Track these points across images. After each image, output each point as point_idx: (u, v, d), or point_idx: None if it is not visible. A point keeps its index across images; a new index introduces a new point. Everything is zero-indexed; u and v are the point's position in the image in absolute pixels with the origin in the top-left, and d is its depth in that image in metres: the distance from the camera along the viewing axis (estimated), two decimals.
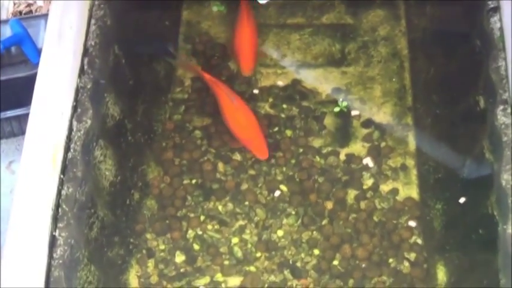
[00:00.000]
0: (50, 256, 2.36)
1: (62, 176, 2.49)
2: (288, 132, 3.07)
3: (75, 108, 2.61)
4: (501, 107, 2.57)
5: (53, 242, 2.39)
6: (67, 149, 2.54)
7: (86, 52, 2.72)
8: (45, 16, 2.88)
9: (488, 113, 2.66)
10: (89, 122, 2.61)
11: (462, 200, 2.81)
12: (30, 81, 2.63)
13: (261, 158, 2.97)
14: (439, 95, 3.06)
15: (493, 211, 2.55)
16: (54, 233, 2.40)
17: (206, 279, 2.79)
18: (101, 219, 2.66)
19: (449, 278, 2.74)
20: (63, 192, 2.47)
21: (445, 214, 2.85)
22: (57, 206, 2.44)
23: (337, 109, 3.11)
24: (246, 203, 2.91)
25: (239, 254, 2.83)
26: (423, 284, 2.75)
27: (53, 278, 2.33)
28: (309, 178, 2.95)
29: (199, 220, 2.90)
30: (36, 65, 2.71)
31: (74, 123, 2.58)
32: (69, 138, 2.55)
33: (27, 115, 2.56)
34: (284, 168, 2.98)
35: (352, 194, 2.94)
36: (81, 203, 2.54)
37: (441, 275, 2.76)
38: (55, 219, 2.42)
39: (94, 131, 2.65)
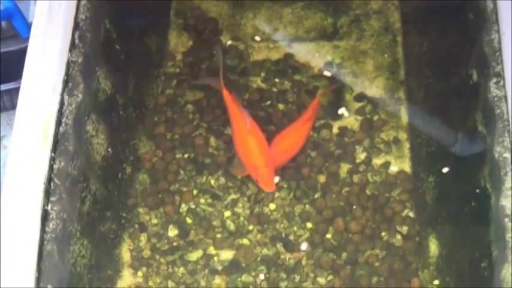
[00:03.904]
0: (43, 230, 2.35)
1: (53, 150, 2.48)
2: (280, 106, 3.07)
3: (66, 83, 2.59)
4: (494, 80, 2.57)
5: (45, 216, 2.38)
6: (58, 123, 2.52)
7: (76, 26, 2.69)
8: None
9: (481, 86, 2.65)
10: (80, 96, 2.59)
11: (445, 169, 2.82)
12: (21, 55, 2.60)
13: (265, 190, 2.80)
14: (431, 69, 3.05)
15: (486, 184, 2.55)
16: (46, 207, 2.39)
17: (199, 253, 2.79)
18: (93, 194, 2.66)
19: (441, 250, 2.75)
20: (55, 166, 2.46)
21: (437, 187, 2.85)
22: (49, 180, 2.43)
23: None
24: (238, 176, 2.90)
25: (231, 227, 2.83)
26: (415, 257, 2.76)
27: (46, 252, 2.33)
28: (301, 152, 2.94)
29: (192, 194, 2.90)
30: (27, 39, 2.68)
31: (66, 97, 2.56)
32: (60, 113, 2.54)
33: (18, 89, 2.54)
34: None
35: (344, 167, 2.94)
36: (73, 177, 2.53)
37: (433, 247, 2.77)
38: (47, 193, 2.41)
39: (85, 105, 2.64)
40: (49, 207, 2.40)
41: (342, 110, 3.03)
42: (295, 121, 2.94)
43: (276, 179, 2.87)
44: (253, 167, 2.77)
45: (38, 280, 2.29)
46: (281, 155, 2.86)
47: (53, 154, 2.47)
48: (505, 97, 2.53)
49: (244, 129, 2.79)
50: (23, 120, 2.47)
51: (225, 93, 2.89)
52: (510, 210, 2.38)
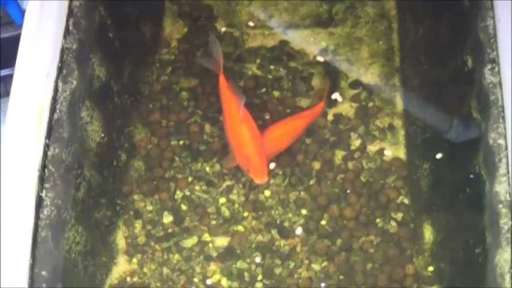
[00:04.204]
0: (37, 217, 2.35)
1: (47, 137, 2.47)
2: (276, 93, 3.06)
3: (60, 69, 2.58)
4: (489, 66, 2.56)
5: (39, 203, 2.38)
6: (53, 110, 2.51)
7: (71, 13, 2.68)
8: None
9: (476, 73, 2.64)
10: (75, 83, 2.59)
11: (439, 155, 2.83)
12: (15, 42, 2.60)
13: (257, 181, 2.76)
14: (427, 56, 3.04)
15: (480, 170, 2.55)
16: (40, 194, 2.39)
17: (194, 240, 2.80)
18: (88, 180, 2.66)
19: (436, 237, 2.75)
20: (49, 153, 2.46)
21: (432, 174, 2.85)
22: (44, 166, 2.43)
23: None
24: (234, 164, 2.90)
25: (226, 214, 2.84)
26: (410, 243, 2.77)
27: (40, 238, 2.33)
28: (294, 142, 2.94)
29: (187, 181, 2.90)
30: (21, 26, 2.68)
31: (60, 84, 2.56)
32: (54, 99, 2.53)
33: (12, 76, 2.54)
34: None
35: (339, 154, 2.94)
36: (68, 164, 2.52)
37: (428, 234, 2.77)
38: (41, 180, 2.41)
39: (80, 92, 2.63)
40: (43, 194, 2.39)
41: (335, 95, 3.03)
42: (293, 115, 2.94)
43: (272, 165, 2.87)
44: (244, 156, 2.74)
45: (33, 266, 2.29)
46: (273, 146, 2.83)
47: (47, 141, 2.46)
48: (500, 83, 2.52)
49: (236, 117, 2.74)
50: (17, 107, 2.46)
51: (222, 80, 2.85)
52: (504, 196, 2.38)
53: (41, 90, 2.50)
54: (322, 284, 2.70)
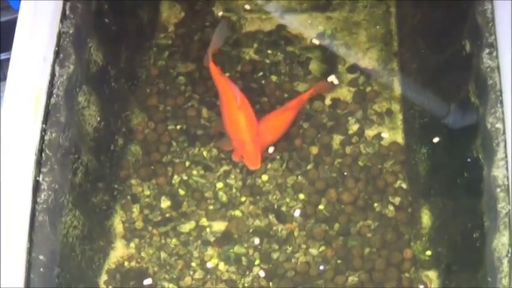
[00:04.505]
0: (34, 201, 2.35)
1: (44, 122, 2.47)
2: (273, 78, 3.06)
3: (57, 54, 2.58)
4: (487, 51, 2.56)
5: (36, 187, 2.38)
6: (50, 94, 2.51)
7: None
8: None
9: (474, 57, 2.64)
10: (72, 67, 2.58)
11: (436, 139, 2.83)
12: (12, 26, 2.59)
13: (250, 167, 2.79)
14: (424, 40, 3.03)
15: (478, 154, 2.55)
16: (37, 178, 2.39)
17: (191, 224, 2.80)
18: (85, 165, 2.65)
19: (434, 221, 2.75)
20: (47, 137, 2.45)
21: (429, 158, 2.85)
22: (41, 151, 2.42)
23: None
24: (231, 148, 2.90)
25: (224, 198, 2.83)
26: (408, 228, 2.76)
27: (38, 223, 2.33)
28: (293, 123, 2.93)
29: (185, 165, 2.90)
30: (17, 10, 2.66)
31: (57, 68, 2.55)
32: (51, 84, 2.53)
33: (8, 60, 2.53)
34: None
35: (337, 139, 2.94)
36: (65, 148, 2.52)
37: (425, 218, 2.77)
38: (38, 164, 2.41)
39: (77, 76, 2.63)
40: (40, 178, 2.39)
41: (331, 78, 3.02)
42: (284, 105, 2.93)
43: (271, 150, 2.87)
44: (240, 143, 2.76)
45: (30, 251, 2.30)
46: (269, 135, 2.84)
47: (44, 125, 2.46)
48: (498, 68, 2.52)
49: (234, 104, 2.75)
50: (14, 92, 2.46)
51: (212, 67, 2.85)
52: (502, 180, 2.38)
53: (37, 74, 2.50)
54: (321, 267, 2.70)
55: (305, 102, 2.93)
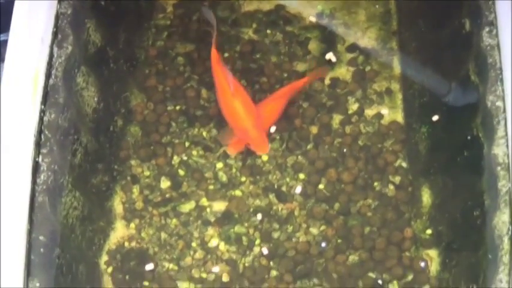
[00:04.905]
0: (34, 182, 2.35)
1: (43, 103, 2.46)
2: (272, 58, 3.05)
3: (55, 34, 2.57)
4: (487, 29, 2.55)
5: (36, 168, 2.37)
6: (48, 75, 2.51)
7: None
8: None
9: (474, 35, 2.63)
10: (70, 48, 2.58)
11: (435, 117, 2.82)
12: (10, 7, 2.58)
13: (259, 152, 2.79)
14: (424, 19, 3.02)
15: (478, 133, 2.54)
16: (37, 159, 2.38)
17: (191, 204, 2.80)
18: (85, 146, 2.65)
19: (434, 200, 2.75)
20: (45, 118, 2.45)
21: (430, 137, 2.84)
22: (40, 132, 2.42)
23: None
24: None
25: (224, 178, 2.83)
26: (408, 207, 2.76)
27: (37, 203, 2.33)
28: (293, 103, 2.93)
29: (184, 146, 2.89)
30: None
31: (55, 49, 2.55)
32: (50, 65, 2.52)
33: (6, 41, 2.52)
34: (268, 94, 2.95)
35: (337, 118, 2.93)
36: (64, 129, 2.52)
37: (426, 197, 2.77)
38: (38, 145, 2.40)
39: (75, 57, 2.62)
40: (40, 159, 2.39)
41: (329, 55, 3.02)
42: (280, 89, 2.92)
43: (273, 129, 2.87)
44: (243, 130, 2.74)
45: (30, 231, 2.30)
46: (268, 119, 2.84)
47: (42, 106, 2.46)
48: (498, 46, 2.52)
49: (228, 92, 2.73)
50: (12, 73, 2.45)
51: (213, 53, 2.82)
52: (503, 158, 2.38)
53: (35, 55, 2.49)
54: (323, 244, 2.71)
55: (301, 88, 2.93)
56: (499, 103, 2.45)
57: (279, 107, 2.85)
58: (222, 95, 2.78)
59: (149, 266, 2.71)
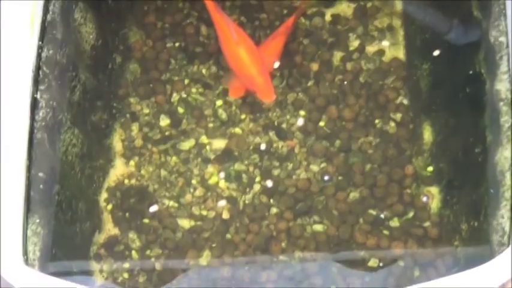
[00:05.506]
0: (32, 118, 2.34)
1: (41, 39, 2.44)
2: None
3: None
4: None
5: (34, 104, 2.36)
6: (45, 11, 2.49)
7: None
8: None
9: None
10: None
11: (436, 52, 2.80)
12: None
13: (266, 100, 2.74)
14: None
15: (481, 69, 2.53)
16: (35, 95, 2.37)
17: (191, 142, 2.78)
18: (83, 83, 2.64)
19: (435, 137, 2.74)
20: (43, 54, 2.44)
21: (431, 74, 2.82)
22: (38, 68, 2.41)
23: None
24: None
25: (223, 116, 2.81)
26: (409, 144, 2.75)
27: (36, 140, 2.33)
28: (293, 40, 2.90)
29: (183, 83, 2.87)
30: None
31: None
32: (47, 0, 2.49)
33: None
34: (268, 31, 2.92)
35: (338, 55, 2.91)
36: (62, 65, 2.51)
37: (427, 134, 2.76)
38: (36, 81, 2.39)
39: None
40: (38, 96, 2.38)
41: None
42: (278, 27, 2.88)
43: (276, 64, 2.84)
44: (248, 78, 2.70)
45: (29, 168, 2.30)
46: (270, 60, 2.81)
47: (40, 42, 2.44)
48: None
49: (232, 41, 2.69)
50: (9, 9, 2.43)
51: (209, 4, 2.77)
52: (505, 94, 2.37)
53: None
54: (326, 177, 2.71)
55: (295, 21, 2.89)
56: (502, 38, 2.43)
57: (280, 46, 2.83)
58: (226, 44, 2.74)
59: (152, 208, 2.71)
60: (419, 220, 2.66)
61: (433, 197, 2.68)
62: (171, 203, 2.71)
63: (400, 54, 2.90)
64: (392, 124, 2.79)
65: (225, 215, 2.69)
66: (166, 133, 2.80)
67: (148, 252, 2.67)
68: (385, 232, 2.66)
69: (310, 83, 2.85)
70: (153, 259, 2.65)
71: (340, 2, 2.98)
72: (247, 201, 2.71)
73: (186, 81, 2.88)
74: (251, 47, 2.72)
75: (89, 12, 2.70)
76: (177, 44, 2.94)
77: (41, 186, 2.30)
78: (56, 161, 2.41)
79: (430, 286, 2.17)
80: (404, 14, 2.96)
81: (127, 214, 2.70)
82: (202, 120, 2.81)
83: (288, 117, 2.80)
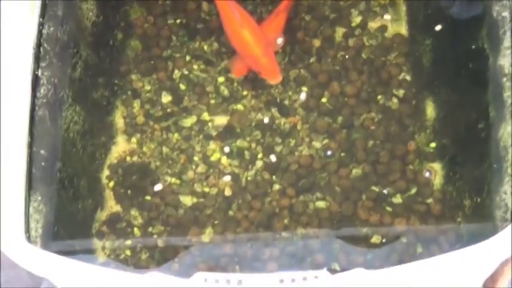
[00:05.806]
0: (34, 95, 2.34)
1: (41, 15, 2.43)
2: None
3: None
4: None
5: (35, 81, 2.36)
6: None
7: None
8: None
9: None
10: None
11: (438, 27, 2.78)
12: None
13: (272, 81, 2.69)
14: None
15: (484, 45, 2.52)
16: (36, 72, 2.37)
17: (193, 119, 2.78)
18: (84, 60, 2.63)
19: (438, 113, 2.73)
20: (44, 31, 2.43)
21: (434, 50, 2.81)
22: (39, 45, 2.40)
23: None
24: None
25: (225, 92, 2.80)
26: (412, 120, 2.74)
27: (38, 117, 2.33)
28: (295, 16, 2.88)
29: (185, 60, 2.86)
30: None
31: None
32: None
33: None
34: (270, 7, 2.90)
35: (340, 31, 2.89)
36: (63, 42, 2.50)
37: (430, 110, 2.75)
38: (37, 58, 2.39)
39: None
40: (39, 73, 2.38)
41: None
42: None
43: (279, 40, 2.82)
44: (253, 59, 2.66)
45: (31, 145, 2.30)
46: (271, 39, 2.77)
47: (41, 19, 2.43)
48: None
49: (235, 22, 2.65)
50: None
51: None
52: (508, 69, 2.36)
53: None
54: (329, 152, 2.71)
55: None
56: (505, 13, 2.42)
57: (281, 23, 2.81)
58: (229, 26, 2.71)
59: (155, 186, 2.71)
60: (422, 196, 2.65)
61: (435, 173, 2.67)
62: (173, 180, 2.71)
63: (403, 29, 2.89)
64: (395, 100, 2.78)
65: (227, 192, 2.69)
66: (168, 110, 2.79)
67: (150, 229, 2.67)
68: (388, 208, 2.65)
69: (312, 59, 2.84)
70: (155, 236, 2.66)
71: None
72: (249, 178, 2.70)
73: (188, 58, 2.86)
74: (255, 28, 2.69)
75: None
76: (178, 21, 2.92)
77: (43, 163, 2.30)
78: (58, 138, 2.41)
79: (433, 262, 2.17)
80: None
81: (129, 191, 2.70)
82: (204, 96, 2.80)
83: (290, 93, 2.79)
